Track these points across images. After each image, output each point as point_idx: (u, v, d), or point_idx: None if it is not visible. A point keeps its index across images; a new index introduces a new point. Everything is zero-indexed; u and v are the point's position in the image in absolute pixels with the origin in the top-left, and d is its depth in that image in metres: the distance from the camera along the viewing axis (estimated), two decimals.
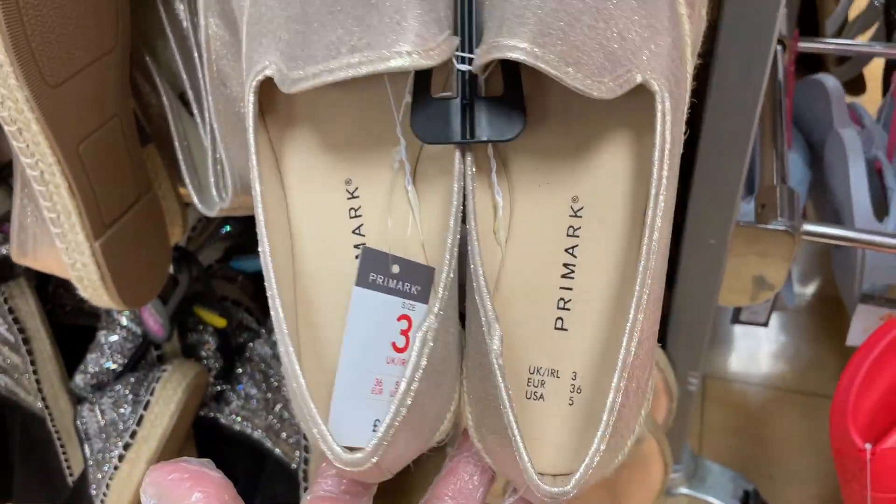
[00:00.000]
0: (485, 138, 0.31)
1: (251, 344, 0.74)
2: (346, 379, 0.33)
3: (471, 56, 0.31)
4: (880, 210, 0.80)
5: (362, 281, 0.34)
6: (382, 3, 0.31)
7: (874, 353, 0.60)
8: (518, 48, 0.28)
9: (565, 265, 0.34)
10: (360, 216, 0.36)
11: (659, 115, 0.30)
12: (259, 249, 0.32)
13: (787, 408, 1.05)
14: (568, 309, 0.34)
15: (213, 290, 0.71)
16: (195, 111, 0.51)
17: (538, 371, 0.34)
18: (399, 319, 0.34)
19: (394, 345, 0.34)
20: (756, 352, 1.12)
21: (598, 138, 0.34)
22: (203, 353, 0.75)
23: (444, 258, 0.32)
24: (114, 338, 0.74)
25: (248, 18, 0.36)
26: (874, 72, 1.23)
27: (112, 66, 0.47)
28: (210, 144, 0.50)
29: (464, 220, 0.33)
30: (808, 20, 1.13)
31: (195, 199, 0.51)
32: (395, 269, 0.35)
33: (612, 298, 0.33)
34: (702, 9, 0.42)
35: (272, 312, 0.32)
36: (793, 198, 0.60)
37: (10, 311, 0.74)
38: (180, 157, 0.52)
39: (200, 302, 0.70)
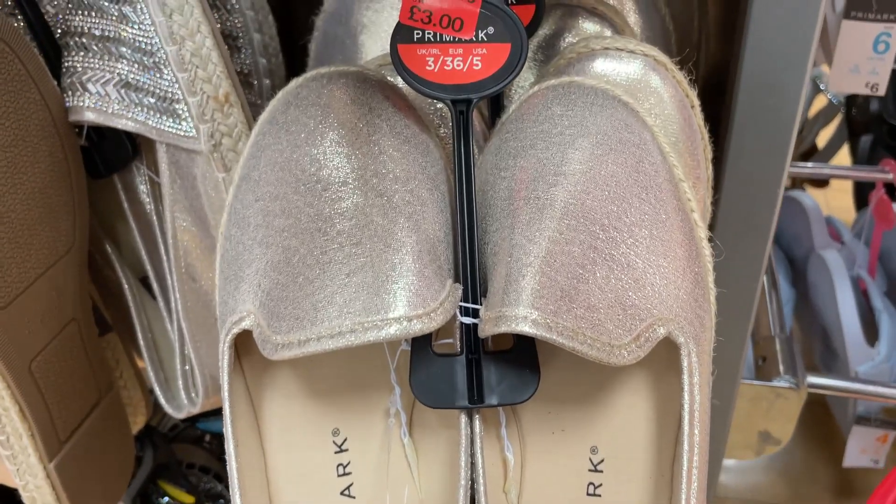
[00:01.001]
0: (496, 402, 0.28)
1: None
2: None
3: (476, 307, 0.28)
4: (870, 331, 0.78)
5: None
6: (377, 255, 0.28)
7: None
8: (528, 319, 0.25)
9: None
10: (349, 473, 0.32)
11: (686, 371, 0.28)
12: None
13: None
14: None
15: (180, 465, 0.66)
16: (161, 304, 0.47)
17: None
18: None
19: None
20: (747, 464, 1.09)
21: (616, 381, 0.31)
22: None
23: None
24: None
25: (223, 255, 0.32)
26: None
27: (69, 267, 0.43)
28: (178, 342, 0.46)
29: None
30: None
31: (161, 399, 0.47)
32: None
33: None
34: (707, 201, 0.40)
35: None
36: (793, 349, 0.57)
37: None
38: (144, 352, 0.47)
39: (166, 476, 0.64)
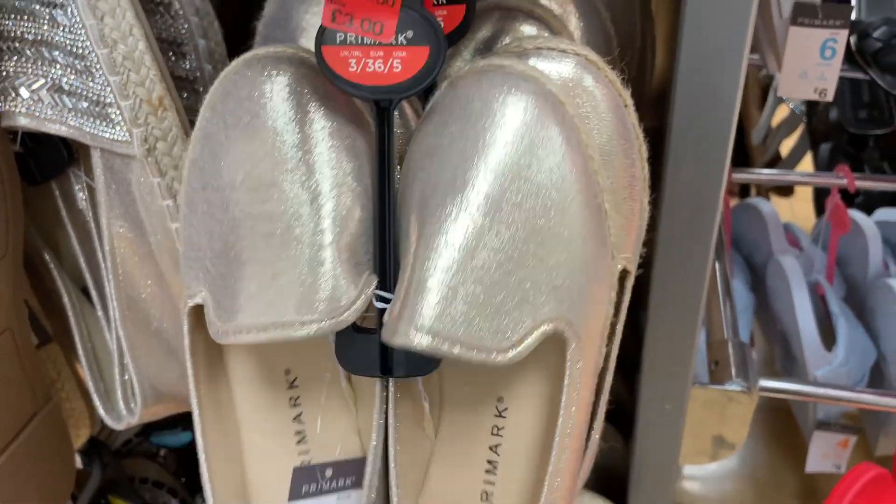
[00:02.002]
0: (402, 374, 0.32)
1: None
2: None
3: (389, 296, 0.31)
4: (827, 336, 0.79)
5: (295, 495, 0.36)
6: (301, 257, 0.29)
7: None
8: (417, 338, 0.28)
9: (489, 461, 0.36)
10: (299, 405, 0.38)
11: (568, 368, 0.31)
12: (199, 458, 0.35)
13: None
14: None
15: (132, 481, 0.65)
16: (99, 313, 0.46)
17: None
18: None
19: None
20: (713, 471, 1.09)
21: None
22: None
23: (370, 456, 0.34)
24: None
25: (182, 236, 0.35)
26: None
27: (1, 276, 0.42)
28: (116, 351, 0.45)
29: None
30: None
31: (101, 411, 0.46)
32: (329, 472, 0.37)
33: (530, 493, 0.35)
34: (644, 200, 0.40)
35: None
36: (745, 353, 0.57)
37: None
38: (84, 363, 0.47)
39: (116, 492, 0.63)
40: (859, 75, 0.90)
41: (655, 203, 0.48)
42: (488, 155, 0.29)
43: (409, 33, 0.30)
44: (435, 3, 0.35)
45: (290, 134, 0.32)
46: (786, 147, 1.30)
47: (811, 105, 1.13)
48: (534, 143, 0.29)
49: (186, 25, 0.50)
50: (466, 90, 0.31)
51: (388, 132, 0.32)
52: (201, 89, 0.53)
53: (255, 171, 0.32)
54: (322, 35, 0.31)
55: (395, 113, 0.37)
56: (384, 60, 0.31)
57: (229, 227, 0.32)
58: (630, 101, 0.37)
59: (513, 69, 0.31)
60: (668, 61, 0.56)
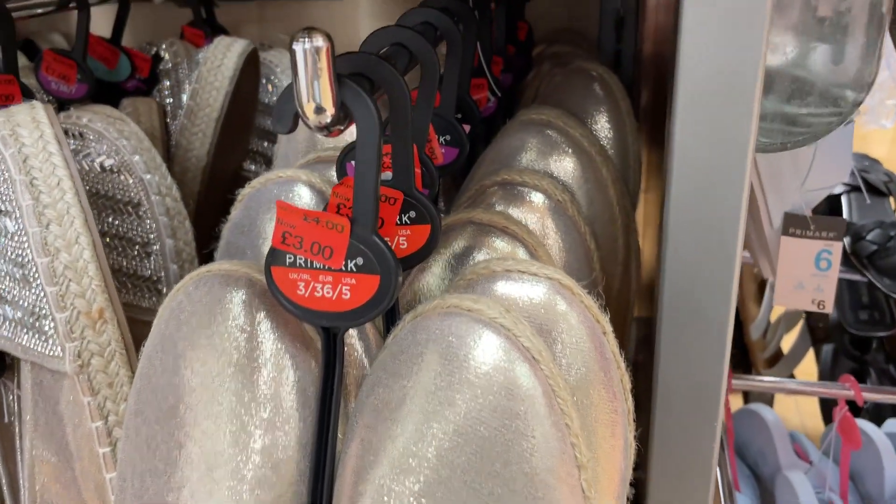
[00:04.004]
0: None
1: None
2: None
3: None
4: None
5: None
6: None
7: None
8: None
9: None
10: None
11: None
12: None
13: None
14: None
15: None
16: None
17: None
18: None
19: None
20: None
21: None
22: None
23: None
24: None
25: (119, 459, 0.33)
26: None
27: None
28: None
29: None
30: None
31: None
32: None
33: None
34: (628, 435, 0.36)
35: None
36: None
37: None
38: None
39: None
40: (856, 277, 0.88)
41: (647, 411, 0.44)
42: (443, 425, 0.26)
43: (359, 260, 0.28)
44: (399, 222, 0.33)
45: (231, 364, 0.30)
46: (787, 342, 1.26)
47: None
48: (499, 414, 0.26)
49: (154, 225, 0.48)
50: (428, 335, 0.28)
51: (335, 360, 0.29)
52: (164, 290, 0.50)
53: (180, 408, 0.30)
54: (272, 256, 0.29)
55: (355, 333, 0.34)
56: (333, 286, 0.28)
57: (163, 454, 0.30)
58: (609, 328, 0.34)
59: (481, 314, 0.28)
60: (656, 250, 0.54)
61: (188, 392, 0.30)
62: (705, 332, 0.41)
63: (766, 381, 0.82)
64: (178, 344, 0.30)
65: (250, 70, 0.61)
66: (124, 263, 0.48)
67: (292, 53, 0.24)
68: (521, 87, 0.57)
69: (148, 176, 0.47)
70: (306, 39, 0.24)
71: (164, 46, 0.64)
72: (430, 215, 0.32)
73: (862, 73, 0.46)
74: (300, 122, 0.27)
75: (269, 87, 0.67)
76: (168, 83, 0.61)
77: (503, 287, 0.32)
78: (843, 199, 0.93)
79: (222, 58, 0.58)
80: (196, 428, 0.29)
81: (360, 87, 0.26)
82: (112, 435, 0.36)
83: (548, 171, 0.44)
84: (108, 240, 0.47)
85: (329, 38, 0.25)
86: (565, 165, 0.44)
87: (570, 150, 0.44)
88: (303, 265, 0.28)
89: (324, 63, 0.25)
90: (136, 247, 0.49)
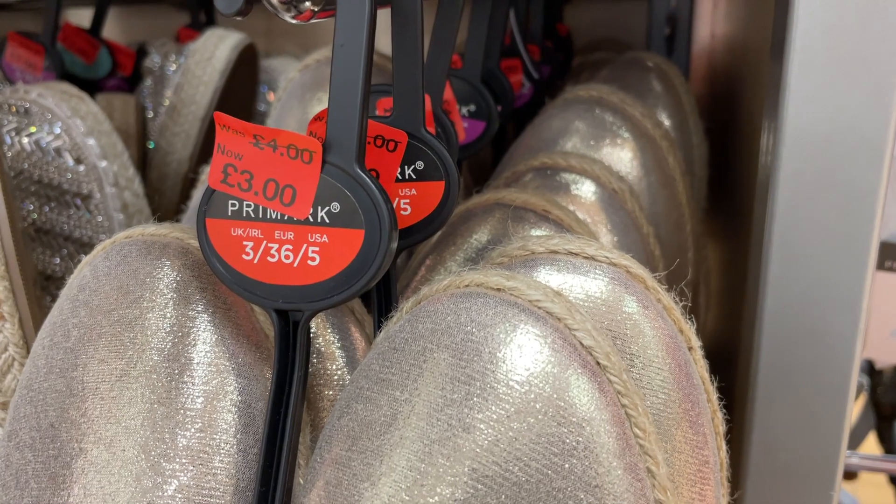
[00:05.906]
0: None
1: None
2: None
3: None
4: None
5: None
6: None
7: None
8: None
9: None
10: None
11: None
12: None
13: None
14: None
15: None
16: None
17: None
18: None
19: None
20: None
21: None
22: None
23: None
24: None
25: None
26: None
27: None
28: None
29: None
30: None
31: None
32: None
33: None
34: (719, 496, 0.25)
35: None
36: None
37: None
38: None
39: None
40: None
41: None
42: (455, 463, 0.17)
43: (335, 206, 0.18)
44: (400, 177, 0.23)
45: (148, 361, 0.20)
46: None
47: (875, 373, 0.98)
48: (544, 447, 0.17)
49: (107, 223, 0.40)
50: (434, 324, 0.18)
51: (294, 362, 0.19)
52: None
53: (78, 415, 0.21)
54: (208, 202, 0.19)
55: (332, 332, 0.25)
56: (294, 247, 0.19)
57: (33, 496, 0.21)
58: (696, 342, 0.24)
59: (517, 295, 0.18)
60: (726, 301, 0.44)
61: (77, 402, 0.20)
62: (816, 399, 0.31)
63: (889, 459, 0.69)
64: (72, 333, 0.21)
65: (245, 68, 0.53)
66: (68, 267, 0.39)
67: None
68: (558, 87, 0.48)
69: (104, 163, 0.38)
70: None
71: (154, 46, 0.57)
72: (444, 167, 0.22)
73: None
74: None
75: (270, 95, 0.59)
76: (151, 82, 0.53)
77: (546, 275, 0.22)
78: None
79: (213, 49, 0.50)
80: (82, 458, 0.20)
81: None
82: None
83: (599, 159, 0.35)
84: (47, 237, 0.38)
85: None
86: (622, 153, 0.34)
87: (627, 135, 0.35)
88: (252, 215, 0.19)
89: None
90: (84, 248, 0.40)
